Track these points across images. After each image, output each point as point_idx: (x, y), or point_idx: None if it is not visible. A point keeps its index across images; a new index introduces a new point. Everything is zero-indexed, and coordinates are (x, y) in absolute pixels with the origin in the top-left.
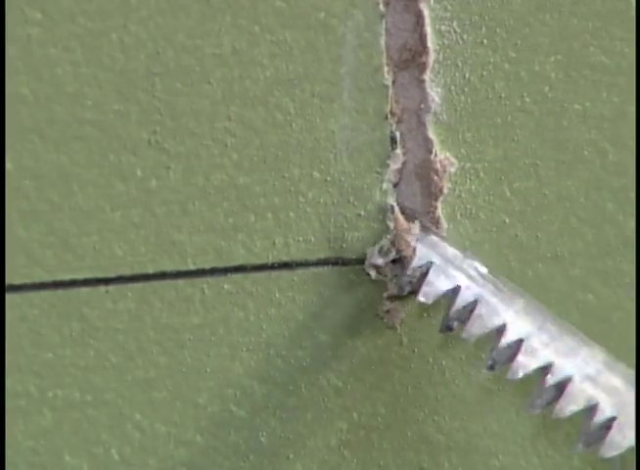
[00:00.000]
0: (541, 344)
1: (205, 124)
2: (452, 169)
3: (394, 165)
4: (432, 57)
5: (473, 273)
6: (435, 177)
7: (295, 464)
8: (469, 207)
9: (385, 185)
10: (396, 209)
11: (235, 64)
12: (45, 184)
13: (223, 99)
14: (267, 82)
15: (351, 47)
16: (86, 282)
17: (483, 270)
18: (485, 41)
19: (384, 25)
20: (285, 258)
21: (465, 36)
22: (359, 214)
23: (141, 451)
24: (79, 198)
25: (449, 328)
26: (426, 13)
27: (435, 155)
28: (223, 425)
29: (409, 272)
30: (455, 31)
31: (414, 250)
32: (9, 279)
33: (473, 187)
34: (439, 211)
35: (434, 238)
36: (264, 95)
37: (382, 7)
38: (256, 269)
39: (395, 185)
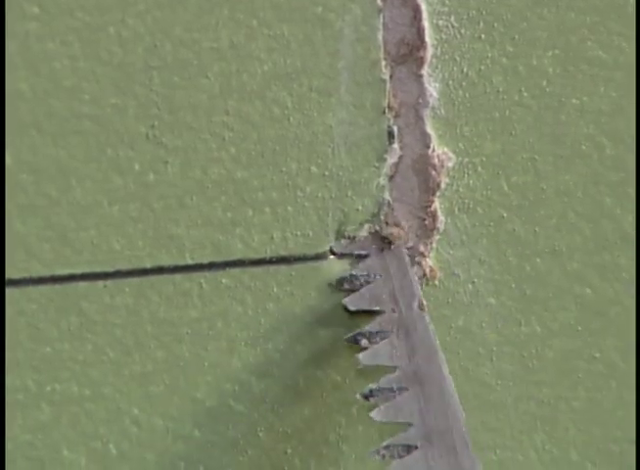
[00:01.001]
0: (415, 402)
1: (202, 118)
2: (450, 164)
3: (392, 160)
4: (429, 51)
5: (408, 307)
6: (433, 172)
7: (293, 459)
8: (466, 201)
9: (382, 179)
10: (392, 206)
11: (232, 58)
12: (43, 178)
13: (221, 93)
14: (265, 76)
15: (349, 41)
16: (84, 276)
17: (420, 313)
18: (483, 36)
19: (381, 20)
20: (283, 253)
21: (462, 31)
22: (357, 209)
23: (139, 446)
24: (77, 192)
25: (356, 341)
26: (423, 7)
27: (433, 149)
28: (221, 420)
29: (354, 272)
30: (453, 26)
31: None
32: (7, 274)
33: (470, 181)
34: (437, 206)
35: (406, 257)
36: (262, 89)
37: (379, 1)
38: (254, 264)
39: (393, 179)
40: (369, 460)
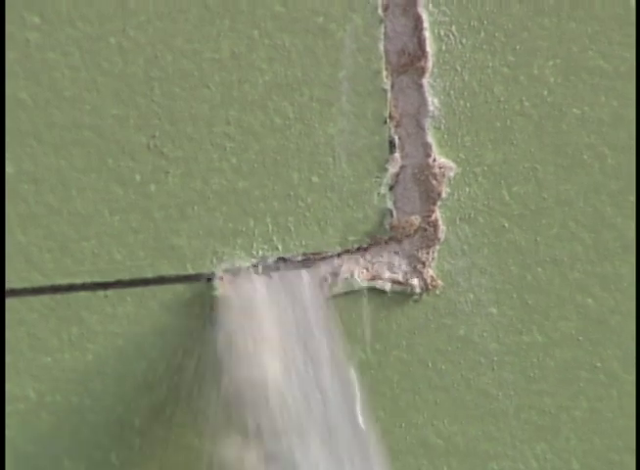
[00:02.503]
0: None
1: (203, 129)
2: (451, 173)
3: (393, 170)
4: (430, 61)
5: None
6: (434, 181)
7: None
8: (467, 211)
9: (383, 189)
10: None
11: (234, 68)
12: (44, 188)
13: (222, 103)
14: (266, 87)
15: (350, 51)
16: (85, 286)
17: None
18: (484, 45)
19: (382, 30)
20: None
21: (463, 41)
22: (358, 219)
23: (140, 456)
24: (78, 202)
25: None
26: (424, 17)
27: (434, 159)
28: (222, 429)
29: None
30: (454, 36)
31: None
32: (8, 283)
33: (471, 191)
34: (438, 215)
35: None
36: (263, 99)
37: (380, 11)
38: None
39: (394, 189)
40: None
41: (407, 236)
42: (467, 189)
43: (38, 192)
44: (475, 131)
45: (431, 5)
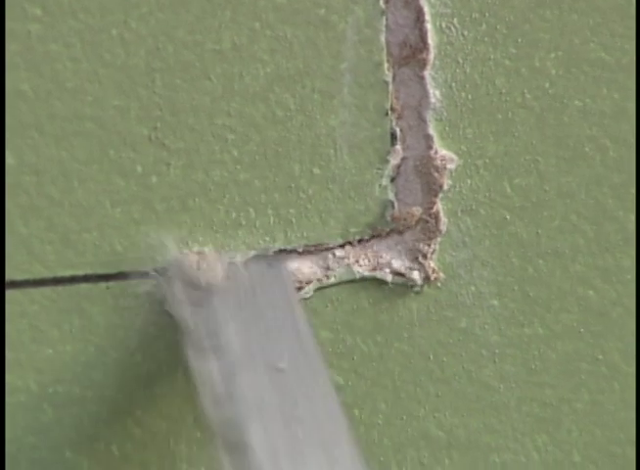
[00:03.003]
0: None
1: (204, 120)
2: (452, 166)
3: (394, 161)
4: (432, 53)
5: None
6: (436, 173)
7: None
8: (469, 203)
9: (384, 181)
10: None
11: (235, 60)
12: (45, 180)
13: (223, 95)
14: (267, 78)
15: (352, 43)
16: (86, 278)
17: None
18: (486, 38)
19: (384, 22)
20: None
21: (465, 33)
22: (360, 210)
23: (141, 447)
24: (79, 194)
25: None
26: (426, 9)
27: (436, 151)
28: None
29: None
30: (455, 28)
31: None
32: (9, 275)
33: (473, 183)
34: (439, 208)
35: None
36: (264, 91)
37: (382, 3)
38: None
39: (395, 181)
40: (371, 462)
41: (408, 228)
42: (468, 181)
43: (40, 183)
44: (476, 123)
45: None
